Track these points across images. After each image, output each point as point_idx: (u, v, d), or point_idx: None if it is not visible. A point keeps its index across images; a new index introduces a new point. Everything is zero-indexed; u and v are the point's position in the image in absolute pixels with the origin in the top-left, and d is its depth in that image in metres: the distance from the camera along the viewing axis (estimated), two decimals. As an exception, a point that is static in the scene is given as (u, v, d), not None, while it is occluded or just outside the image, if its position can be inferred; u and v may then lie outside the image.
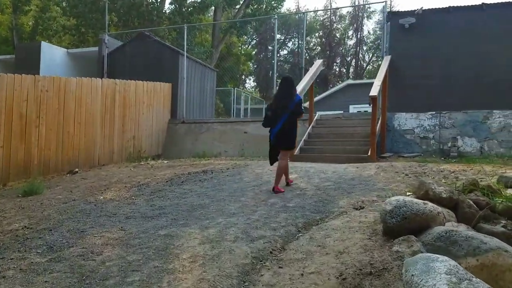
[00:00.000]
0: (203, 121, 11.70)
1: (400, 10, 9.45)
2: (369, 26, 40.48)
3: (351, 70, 41.24)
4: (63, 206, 5.53)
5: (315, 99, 24.28)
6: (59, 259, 3.55)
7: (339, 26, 41.34)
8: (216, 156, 10.70)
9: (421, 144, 9.13)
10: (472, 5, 8.85)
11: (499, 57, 8.62)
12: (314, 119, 9.96)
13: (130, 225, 4.39)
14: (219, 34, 26.47)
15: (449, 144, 8.81)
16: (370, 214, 4.10)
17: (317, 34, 42.13)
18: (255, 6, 27.49)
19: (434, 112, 9.12)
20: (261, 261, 3.29)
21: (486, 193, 4.42)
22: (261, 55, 41.57)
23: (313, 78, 9.56)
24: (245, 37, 37.68)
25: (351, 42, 40.28)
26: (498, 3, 8.74)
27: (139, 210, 5.01)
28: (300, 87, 8.84)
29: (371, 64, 43.06)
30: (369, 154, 7.97)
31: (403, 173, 6.18)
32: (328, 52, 38.94)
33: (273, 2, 28.15)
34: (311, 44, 43.82)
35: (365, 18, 39.50)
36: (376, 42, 42.16)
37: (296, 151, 8.69)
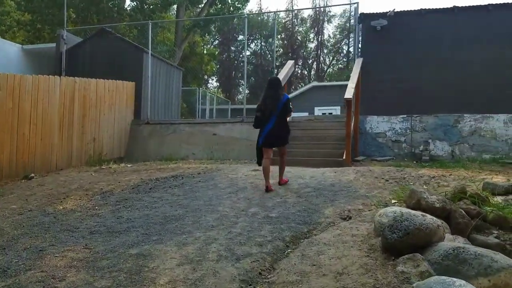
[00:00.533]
0: (169, 122, 11.17)
1: (372, 12, 9.36)
2: (330, 30, 41.26)
3: (313, 72, 41.80)
4: (18, 219, 4.93)
5: (281, 100, 24.12)
6: (15, 286, 3.03)
7: (300, 29, 41.98)
8: (183, 159, 10.21)
9: (393, 148, 9.07)
10: (444, 8, 8.87)
11: (470, 61, 8.68)
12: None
13: (96, 242, 3.89)
14: (182, 33, 25.86)
15: (421, 148, 8.79)
16: (361, 225, 3.83)
17: (279, 36, 42.65)
18: (219, 6, 27.09)
19: (405, 116, 9.08)
20: (250, 285, 2.93)
21: (475, 202, 4.26)
22: (224, 56, 41.46)
23: (285, 79, 9.29)
24: (208, 37, 37.30)
25: (312, 45, 41.12)
26: (469, 6, 8.81)
27: (105, 223, 4.51)
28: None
29: (331, 67, 43.99)
30: (344, 157, 7.78)
31: (383, 178, 6.00)
32: (290, 54, 39.37)
33: (236, 3, 27.83)
34: (274, 46, 44.34)
35: (326, 22, 40.58)
36: (336, 46, 43.17)
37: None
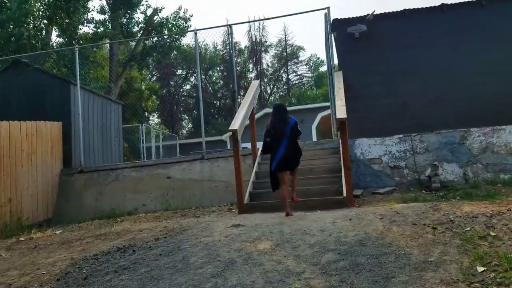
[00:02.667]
0: (110, 168, 8.90)
1: (347, 17, 7.91)
2: (267, 59, 41.90)
3: (255, 102, 41.97)
4: None
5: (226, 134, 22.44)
6: None
7: (238, 60, 42.50)
8: (131, 214, 7.98)
9: (392, 176, 7.47)
10: (431, 7, 7.59)
11: (470, 66, 7.40)
12: (258, 153, 7.84)
13: None
14: (117, 68, 23.73)
15: (428, 173, 7.26)
16: None
17: (218, 69, 42.17)
18: (155, 39, 25.40)
19: (401, 136, 7.56)
20: None
21: None
22: (164, 91, 40.37)
23: (253, 102, 7.51)
24: (146, 72, 35.42)
25: (252, 75, 41.12)
26: (462, 2, 7.59)
27: None
28: (240, 115, 6.72)
29: (273, 95, 43.90)
30: (344, 195, 6.01)
31: (424, 225, 4.27)
32: (230, 85, 38.82)
33: (174, 35, 26.22)
34: (214, 78, 43.92)
35: (263, 52, 41.33)
36: (275, 74, 43.14)
37: (245, 198, 6.45)
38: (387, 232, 4.17)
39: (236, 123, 6.44)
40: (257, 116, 23.04)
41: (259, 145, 9.89)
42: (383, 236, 4.04)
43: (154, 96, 36.87)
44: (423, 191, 6.93)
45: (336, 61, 8.85)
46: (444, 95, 7.44)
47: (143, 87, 34.09)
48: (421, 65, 7.61)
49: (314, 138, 20.13)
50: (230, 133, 6.53)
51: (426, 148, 7.41)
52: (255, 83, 8.13)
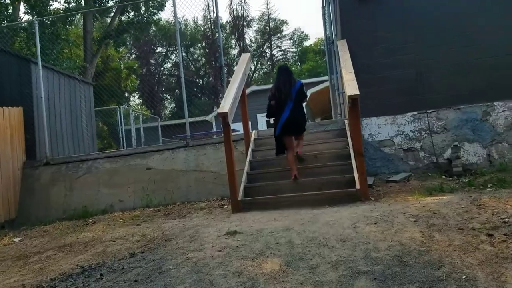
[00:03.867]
0: (80, 159, 7.74)
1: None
2: (250, 34, 40.68)
3: None
4: None
5: (212, 114, 21.19)
6: None
7: (220, 35, 41.33)
8: (106, 212, 6.92)
9: (406, 159, 6.52)
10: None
11: (497, 30, 6.39)
12: (252, 138, 6.80)
13: None
14: (92, 46, 22.21)
15: (447, 155, 6.32)
16: None
17: (200, 45, 40.92)
18: (132, 14, 23.85)
19: (415, 113, 6.59)
20: None
21: None
22: (144, 70, 39.08)
23: (244, 78, 6.41)
24: (123, 49, 33.79)
25: (235, 52, 40.30)
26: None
27: None
28: (231, 94, 5.64)
29: (257, 72, 42.91)
30: (358, 187, 5.03)
31: (474, 229, 3.33)
32: (213, 62, 37.73)
33: (151, 9, 24.63)
34: (196, 55, 42.76)
35: (245, 27, 39.94)
36: (259, 50, 41.84)
37: (240, 194, 5.43)
38: (429, 242, 3.21)
39: (226, 105, 5.37)
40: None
41: (253, 127, 8.92)
42: (426, 249, 3.08)
43: (133, 76, 35.40)
44: (443, 176, 6.02)
45: (331, 29, 7.75)
46: (464, 62, 6.44)
47: (121, 66, 32.52)
48: (440, 30, 6.56)
49: (305, 116, 19.08)
50: (216, 113, 5.46)
51: (444, 127, 6.46)
52: (245, 56, 7.01)
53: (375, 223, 3.76)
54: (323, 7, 8.76)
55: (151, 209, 6.53)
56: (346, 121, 6.77)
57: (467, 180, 5.56)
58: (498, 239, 3.10)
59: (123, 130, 15.88)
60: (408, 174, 6.20)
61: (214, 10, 7.47)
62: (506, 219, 3.43)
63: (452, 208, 3.88)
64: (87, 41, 21.79)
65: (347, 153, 5.86)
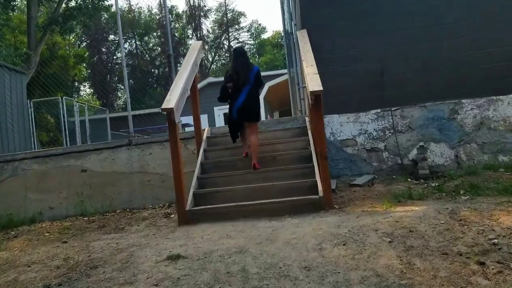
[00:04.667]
0: (5, 159, 6.67)
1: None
2: (208, 25, 39.82)
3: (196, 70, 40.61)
4: None
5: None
6: None
7: (177, 25, 40.35)
8: (34, 221, 5.98)
9: (370, 160, 6.04)
10: None
11: (465, 20, 6.00)
12: (204, 137, 6.07)
13: None
14: (36, 33, 20.52)
15: (412, 156, 5.90)
16: None
17: (155, 34, 39.64)
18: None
19: (379, 110, 6.11)
20: None
21: None
22: (95, 58, 37.34)
23: (194, 68, 5.66)
24: (71, 36, 31.88)
25: (191, 42, 39.15)
26: None
27: None
28: (178, 87, 4.92)
29: (215, 63, 42.22)
30: (321, 195, 4.46)
31: (460, 254, 2.82)
32: (167, 49, 36.62)
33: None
34: (150, 44, 41.57)
35: (202, 17, 39.52)
36: (216, 41, 40.97)
37: (188, 202, 4.72)
38: (410, 271, 2.67)
39: (172, 100, 4.62)
40: (198, 87, 21.08)
41: (204, 123, 8.18)
42: (408, 283, 2.52)
43: (83, 64, 33.50)
44: (409, 179, 5.59)
45: (290, 19, 7.12)
46: (431, 56, 6.02)
47: (71, 54, 30.58)
48: (406, 19, 6.10)
49: (262, 112, 18.47)
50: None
51: (409, 126, 6.03)
52: (196, 45, 6.24)
53: (344, 244, 3.18)
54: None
55: (85, 218, 5.68)
56: (307, 119, 6.19)
57: (436, 184, 5.14)
58: (492, 268, 2.60)
59: (66, 123, 14.62)
60: (371, 176, 5.72)
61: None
62: (495, 240, 2.95)
63: (431, 224, 3.37)
64: (31, 27, 20.15)
65: (308, 154, 5.28)
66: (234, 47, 20.34)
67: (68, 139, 14.18)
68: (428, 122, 5.97)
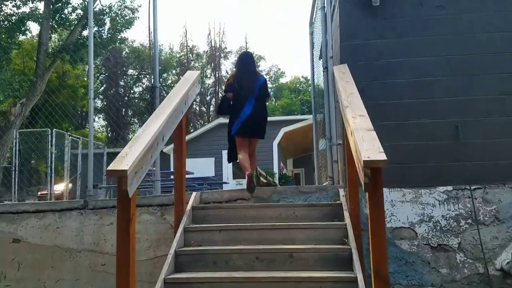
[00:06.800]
0: None
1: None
2: (227, 65, 39.94)
3: (211, 109, 40.20)
4: None
5: (172, 145, 18.32)
6: None
7: (196, 64, 40.95)
8: None
9: (436, 264, 3.97)
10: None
11: None
12: (189, 206, 4.08)
13: None
14: (44, 59, 19.69)
15: (500, 263, 3.85)
16: None
17: (174, 72, 40.82)
18: (96, 29, 21.52)
19: (450, 188, 4.12)
20: None
21: None
22: (112, 91, 37.59)
23: (182, 108, 3.80)
24: (82, 65, 31.26)
25: (209, 81, 40.14)
26: None
27: None
28: (149, 133, 3.03)
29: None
30: None
31: None
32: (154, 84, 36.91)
33: (118, 26, 22.31)
34: (169, 81, 42.07)
35: (222, 58, 40.12)
36: None
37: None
38: None
39: (129, 157, 2.73)
40: (207, 128, 19.42)
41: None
42: None
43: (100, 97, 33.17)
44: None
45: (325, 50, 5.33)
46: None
47: (80, 84, 29.68)
48: (489, 55, 4.24)
49: (275, 158, 16.57)
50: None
51: (495, 215, 4.01)
52: (191, 75, 4.43)
53: None
54: (311, 24, 6.46)
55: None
56: (341, 191, 4.22)
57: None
58: None
59: (53, 159, 12.96)
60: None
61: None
62: None
63: None
64: (41, 53, 19.43)
65: (346, 255, 3.28)
66: (240, 52, 18.80)
67: (53, 175, 12.64)
68: (524, 211, 3.96)
